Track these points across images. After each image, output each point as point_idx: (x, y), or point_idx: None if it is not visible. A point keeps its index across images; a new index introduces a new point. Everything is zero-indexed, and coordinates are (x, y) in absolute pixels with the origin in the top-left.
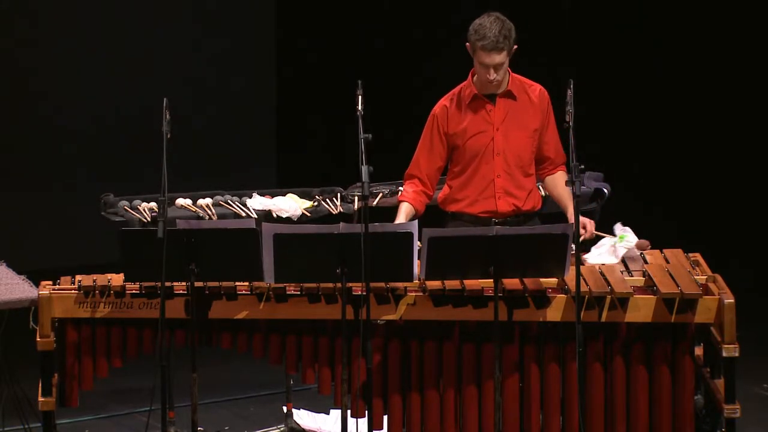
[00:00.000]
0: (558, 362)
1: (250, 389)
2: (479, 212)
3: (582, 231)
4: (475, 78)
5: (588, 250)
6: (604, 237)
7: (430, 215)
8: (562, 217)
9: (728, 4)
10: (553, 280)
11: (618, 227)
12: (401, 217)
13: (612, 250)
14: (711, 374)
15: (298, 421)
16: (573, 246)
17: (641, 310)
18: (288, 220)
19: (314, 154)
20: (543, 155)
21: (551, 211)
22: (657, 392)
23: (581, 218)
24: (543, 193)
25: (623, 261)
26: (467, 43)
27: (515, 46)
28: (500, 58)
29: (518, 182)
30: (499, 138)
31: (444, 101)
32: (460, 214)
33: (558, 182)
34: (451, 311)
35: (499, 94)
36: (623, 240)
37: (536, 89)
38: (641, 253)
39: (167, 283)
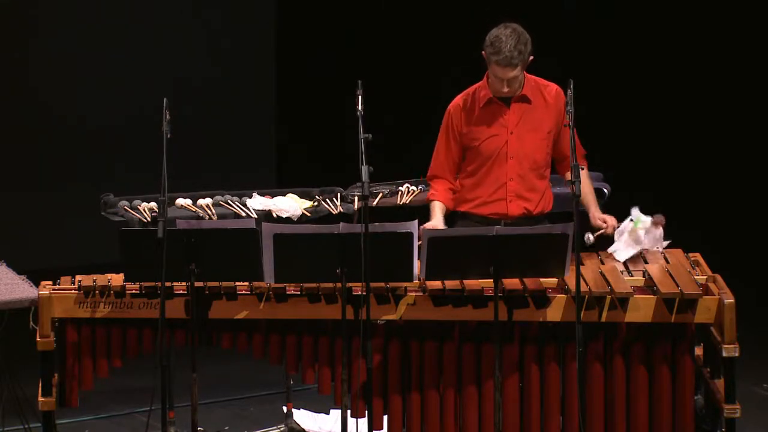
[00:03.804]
0: (558, 362)
1: (250, 389)
2: (489, 214)
3: (603, 225)
4: (490, 80)
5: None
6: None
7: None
8: (565, 216)
9: (728, 3)
10: (553, 280)
11: (635, 211)
12: (437, 215)
13: (633, 237)
14: (711, 374)
15: (298, 421)
16: (591, 240)
17: (641, 310)
18: (288, 220)
19: (314, 154)
20: (562, 153)
21: (552, 211)
22: (657, 392)
23: (603, 215)
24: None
25: (624, 263)
26: (483, 51)
27: (531, 58)
28: (514, 72)
29: (531, 185)
30: (513, 141)
31: (458, 100)
32: (470, 215)
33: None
34: (451, 311)
35: (514, 98)
36: (639, 224)
37: (552, 89)
38: (646, 252)
39: (167, 283)
